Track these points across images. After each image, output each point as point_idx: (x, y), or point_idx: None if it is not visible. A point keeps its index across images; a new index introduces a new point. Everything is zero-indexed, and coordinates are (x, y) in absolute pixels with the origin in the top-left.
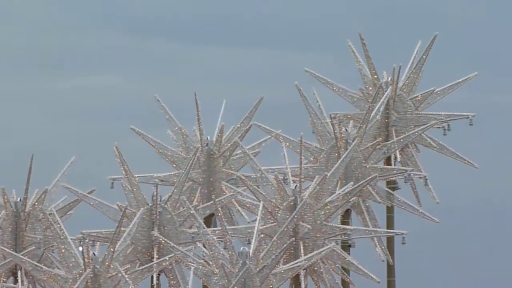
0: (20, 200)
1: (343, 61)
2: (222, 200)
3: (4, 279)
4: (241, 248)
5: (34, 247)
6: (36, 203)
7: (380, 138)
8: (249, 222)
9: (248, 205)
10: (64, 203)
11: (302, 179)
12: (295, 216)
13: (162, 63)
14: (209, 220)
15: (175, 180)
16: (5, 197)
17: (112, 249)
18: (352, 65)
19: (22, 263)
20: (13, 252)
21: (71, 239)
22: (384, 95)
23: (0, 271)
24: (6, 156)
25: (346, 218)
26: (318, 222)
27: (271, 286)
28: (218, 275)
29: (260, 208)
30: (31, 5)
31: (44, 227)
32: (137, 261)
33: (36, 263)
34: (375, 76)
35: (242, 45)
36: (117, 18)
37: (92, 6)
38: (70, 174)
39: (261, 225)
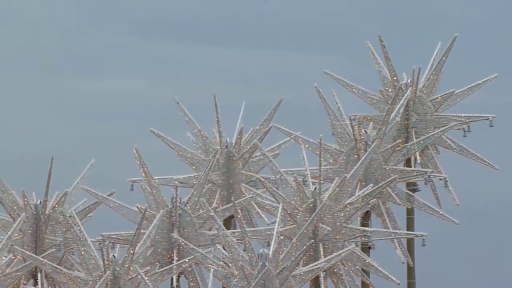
0: (40, 202)
1: (360, 62)
2: (242, 202)
3: (24, 282)
4: (261, 250)
5: (54, 249)
6: (56, 206)
7: (400, 140)
8: (268, 224)
9: (267, 207)
10: (84, 206)
11: (322, 181)
12: (315, 218)
13: (182, 65)
14: (228, 222)
15: (194, 182)
16: (25, 199)
17: (132, 251)
18: (369, 66)
19: (42, 266)
20: (33, 255)
21: (91, 241)
22: (404, 97)
23: (20, 273)
24: (26, 159)
25: (366, 220)
26: (338, 224)
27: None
28: (237, 277)
29: (280, 210)
30: (49, 7)
31: (64, 229)
32: (157, 263)
33: (56, 266)
34: (395, 78)
35: (262, 46)
36: (137, 20)
37: (110, 8)
38: (90, 176)
39: (281, 227)
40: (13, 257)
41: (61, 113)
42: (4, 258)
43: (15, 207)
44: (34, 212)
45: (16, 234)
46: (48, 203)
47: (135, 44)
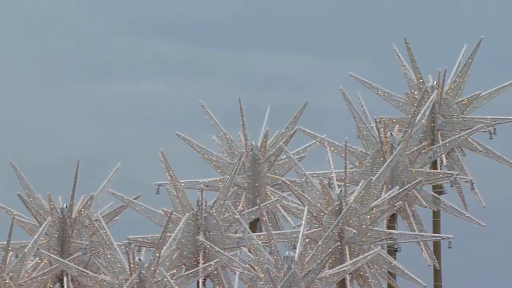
0: (66, 206)
1: (385, 65)
2: (267, 205)
3: (51, 285)
4: (287, 253)
5: (80, 253)
6: (82, 209)
7: (426, 142)
8: (294, 227)
9: (293, 210)
10: (110, 209)
11: (347, 184)
12: (340, 221)
13: (207, 69)
14: (254, 225)
15: (220, 186)
16: (52, 203)
17: (158, 254)
18: (395, 68)
19: (69, 269)
20: (59, 258)
21: (117, 244)
22: (430, 99)
23: (46, 277)
24: (52, 163)
25: (392, 222)
26: (364, 226)
27: None
28: (263, 279)
29: (305, 212)
30: (77, 13)
31: (90, 233)
32: (183, 266)
33: (82, 269)
34: (421, 80)
35: (287, 50)
36: (162, 25)
37: (137, 12)
38: (116, 180)
39: (306, 230)
40: (39, 261)
41: (87, 118)
42: (30, 262)
43: (41, 211)
44: (60, 216)
45: (42, 238)
46: (74, 207)
47: (160, 47)
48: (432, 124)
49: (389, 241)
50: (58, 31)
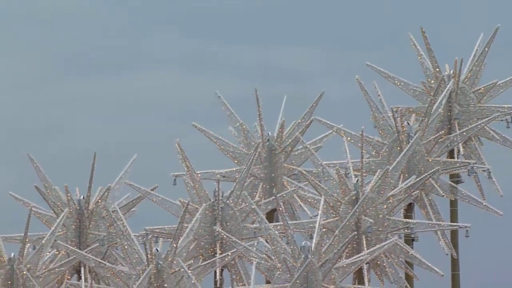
0: (83, 197)
1: (402, 54)
2: (284, 195)
3: (68, 277)
4: (303, 243)
5: (97, 244)
6: (99, 201)
7: (443, 131)
8: (311, 217)
9: (309, 200)
10: (127, 200)
11: (364, 173)
12: (357, 211)
13: (223, 60)
14: (271, 215)
15: (236, 176)
16: (69, 195)
17: (175, 245)
18: (411, 58)
19: (86, 260)
20: (77, 250)
21: (134, 235)
22: (446, 88)
23: (64, 268)
24: (69, 154)
25: (409, 212)
26: (381, 216)
27: (333, 280)
28: (280, 269)
29: (322, 202)
30: (97, 7)
31: (107, 224)
32: (200, 256)
33: (99, 260)
34: (437, 69)
35: (302, 42)
36: (177, 17)
37: (155, 5)
38: (133, 171)
39: (323, 220)
40: (56, 253)
41: (103, 109)
42: (48, 253)
43: (59, 203)
44: (78, 207)
45: (60, 230)
46: (91, 198)
47: (175, 38)
48: (449, 113)
49: (406, 230)
50: (72, 25)
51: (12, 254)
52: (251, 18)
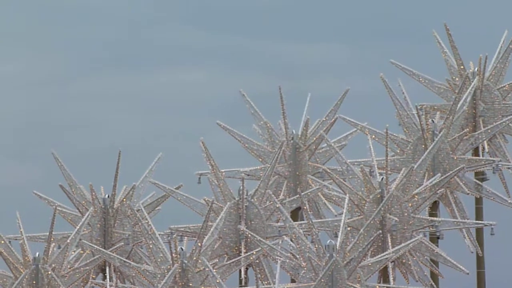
0: (108, 196)
1: (426, 51)
2: (308, 193)
3: (93, 276)
4: (328, 241)
5: (122, 243)
6: (124, 199)
7: (468, 129)
8: (335, 215)
9: (334, 198)
10: (152, 199)
11: (389, 171)
12: (382, 209)
13: (247, 58)
14: (295, 214)
15: (261, 174)
16: (93, 194)
17: (199, 244)
18: (435, 55)
19: (111, 259)
20: (102, 249)
21: (159, 234)
22: (471, 86)
23: (89, 268)
24: (94, 153)
25: (434, 210)
26: (406, 214)
27: (358, 279)
28: (305, 268)
29: (347, 201)
30: (116, 3)
31: (132, 223)
32: (225, 255)
33: (124, 259)
34: (462, 67)
35: (326, 39)
36: (201, 14)
37: (178, 2)
38: (158, 170)
39: (348, 218)
40: (81, 252)
41: (128, 108)
42: (73, 252)
43: (83, 202)
44: (102, 206)
45: (85, 229)
46: (116, 197)
47: (200, 37)
48: (474, 111)
49: (431, 228)
50: (97, 22)
51: (37, 254)
52: (275, 15)
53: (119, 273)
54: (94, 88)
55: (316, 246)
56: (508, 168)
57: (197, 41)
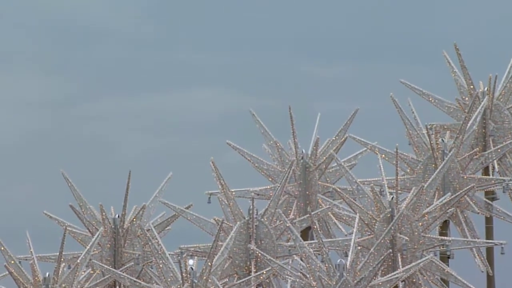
0: (118, 216)
1: (436, 71)
2: (319, 213)
3: None
4: (338, 261)
5: (133, 263)
6: (134, 219)
7: (478, 148)
8: (346, 235)
9: (344, 218)
10: (162, 219)
11: (399, 191)
12: (392, 228)
13: (257, 77)
14: (305, 233)
15: (271, 194)
16: (104, 213)
17: (209, 263)
18: (445, 74)
19: (121, 279)
20: (112, 269)
21: (169, 254)
22: (481, 105)
23: (99, 287)
24: (104, 173)
25: (444, 229)
26: (416, 233)
27: None
28: (315, 287)
29: (357, 220)
30: (131, 23)
31: (142, 243)
32: (235, 275)
33: (135, 279)
34: (471, 86)
35: (336, 58)
36: (214, 34)
37: (189, 22)
38: (168, 189)
39: (358, 237)
40: (92, 272)
41: (138, 126)
42: (83, 272)
43: (94, 222)
44: (113, 226)
45: (95, 249)
46: (126, 217)
47: (209, 55)
48: (484, 130)
49: (441, 247)
50: (109, 42)
51: (47, 274)
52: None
53: None
54: (103, 109)
55: (326, 265)
56: None
57: (207, 60)
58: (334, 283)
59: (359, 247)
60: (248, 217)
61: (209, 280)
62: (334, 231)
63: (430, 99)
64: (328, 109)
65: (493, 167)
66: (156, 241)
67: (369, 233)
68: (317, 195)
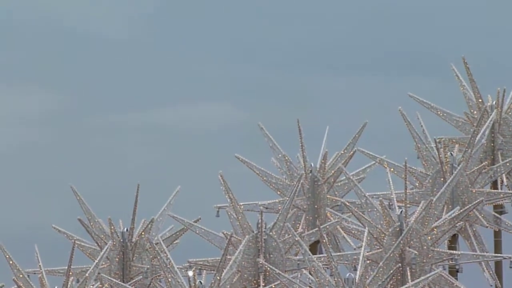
0: (127, 230)
1: (444, 85)
2: (327, 226)
3: None
4: (347, 275)
5: (141, 276)
6: (142, 233)
7: (486, 162)
8: (354, 249)
9: (353, 231)
10: (170, 232)
11: (408, 204)
12: (401, 242)
13: (265, 90)
14: (314, 247)
15: (279, 208)
16: (112, 227)
17: (218, 277)
18: (454, 88)
19: None
20: (120, 282)
21: (177, 268)
22: (489, 119)
23: None
24: (112, 187)
25: (453, 243)
26: (425, 247)
27: None
28: None
29: (366, 234)
30: (139, 36)
31: (151, 256)
32: None
33: None
34: (480, 100)
35: (345, 71)
36: (223, 46)
37: (201, 34)
38: (176, 203)
39: (367, 251)
40: (100, 286)
41: (146, 140)
42: (91, 286)
43: (102, 235)
44: (121, 240)
45: (103, 262)
46: (134, 231)
47: (219, 69)
48: (492, 144)
49: (450, 261)
50: (117, 54)
51: None
52: (294, 47)
53: None
54: (111, 123)
55: (335, 279)
56: None
57: (216, 74)
58: None
59: (368, 261)
60: (256, 231)
61: None
62: (343, 245)
63: (439, 112)
64: (336, 122)
65: (502, 181)
66: (165, 254)
67: (378, 247)
68: (326, 208)
